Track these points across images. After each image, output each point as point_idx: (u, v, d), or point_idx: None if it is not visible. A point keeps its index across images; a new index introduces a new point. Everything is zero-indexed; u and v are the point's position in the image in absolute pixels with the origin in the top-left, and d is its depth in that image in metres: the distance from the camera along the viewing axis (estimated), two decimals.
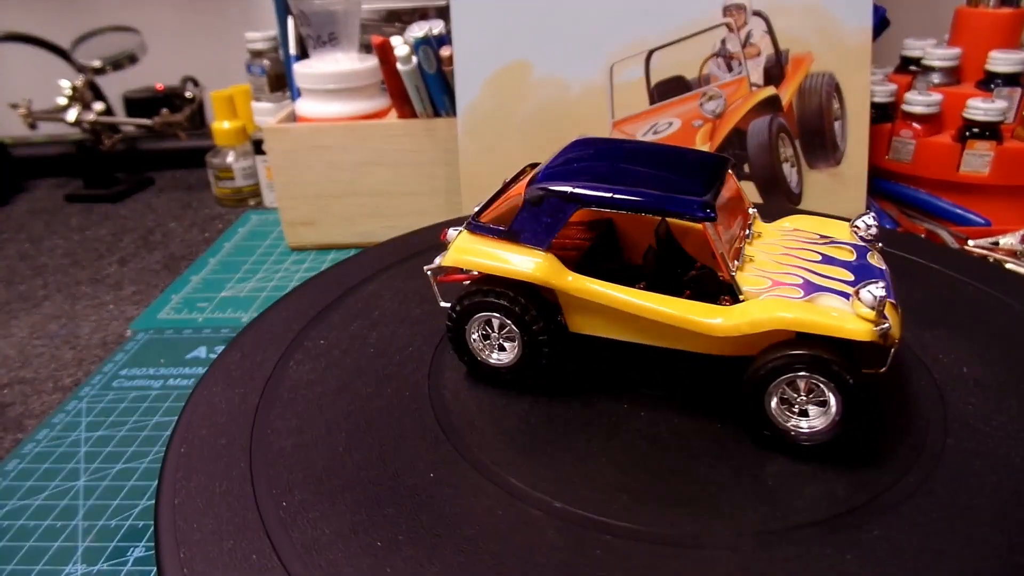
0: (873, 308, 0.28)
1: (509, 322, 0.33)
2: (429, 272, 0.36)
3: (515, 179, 0.37)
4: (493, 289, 0.33)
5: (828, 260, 0.33)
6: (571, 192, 0.32)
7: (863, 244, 0.35)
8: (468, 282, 0.35)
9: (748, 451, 0.30)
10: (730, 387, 0.31)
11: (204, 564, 0.26)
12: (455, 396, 0.35)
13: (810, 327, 0.28)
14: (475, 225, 0.34)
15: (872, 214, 0.35)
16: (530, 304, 0.33)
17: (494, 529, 0.27)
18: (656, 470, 0.30)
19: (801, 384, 0.29)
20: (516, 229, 0.33)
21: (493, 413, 0.33)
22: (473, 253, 0.33)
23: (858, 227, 0.35)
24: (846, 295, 0.29)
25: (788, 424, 0.30)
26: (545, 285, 0.32)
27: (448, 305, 0.35)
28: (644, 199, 0.31)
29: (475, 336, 0.35)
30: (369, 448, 0.31)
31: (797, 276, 0.31)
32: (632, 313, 0.31)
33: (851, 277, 0.31)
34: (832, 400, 0.29)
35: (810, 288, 0.30)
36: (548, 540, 0.26)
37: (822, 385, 0.29)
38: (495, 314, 0.33)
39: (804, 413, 0.30)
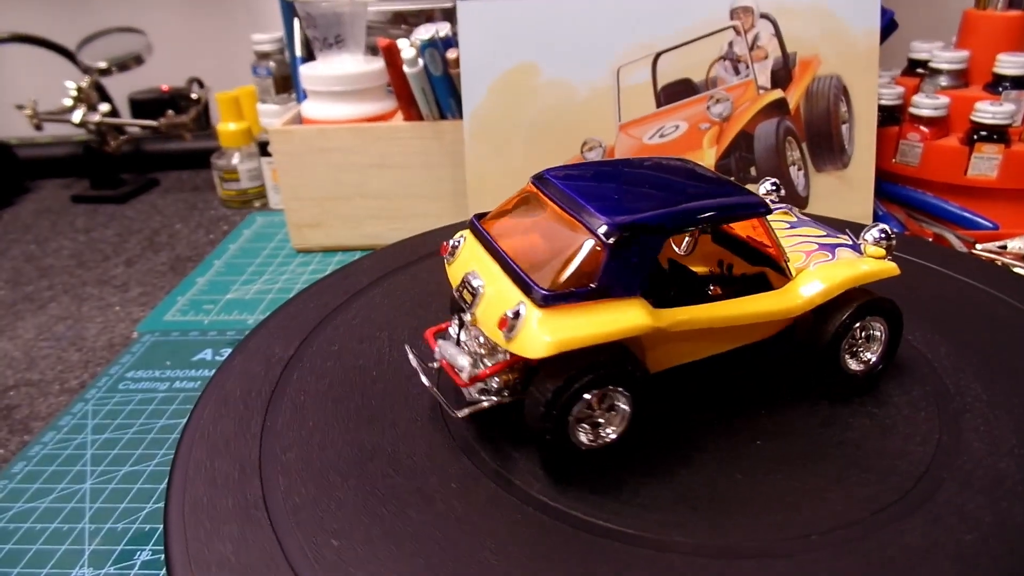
0: (885, 242, 0.33)
1: (621, 390, 0.29)
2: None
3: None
4: (599, 360, 0.28)
5: (802, 230, 0.36)
6: (659, 222, 0.28)
7: (796, 219, 0.38)
8: (534, 363, 0.28)
9: (762, 456, 0.30)
10: (794, 354, 0.33)
11: (213, 568, 0.26)
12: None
13: (869, 277, 0.32)
14: (552, 296, 0.27)
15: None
16: (637, 361, 0.29)
17: (498, 532, 0.27)
18: (671, 475, 0.30)
19: (858, 330, 0.33)
20: (606, 284, 0.27)
21: (503, 418, 0.33)
22: (574, 329, 0.27)
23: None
24: (854, 246, 0.34)
25: (853, 367, 0.34)
26: (653, 332, 0.28)
27: (538, 402, 0.28)
28: (718, 210, 0.30)
29: (579, 421, 0.29)
30: (383, 455, 0.31)
31: (811, 244, 0.34)
32: (725, 325, 0.30)
33: (828, 236, 0.35)
34: (881, 333, 0.34)
35: (829, 249, 0.33)
36: (563, 546, 0.26)
37: (877, 323, 0.33)
38: (609, 387, 0.28)
39: (856, 355, 0.34)
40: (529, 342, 0.27)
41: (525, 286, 0.28)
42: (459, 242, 0.33)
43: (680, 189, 0.31)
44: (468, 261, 0.31)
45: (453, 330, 0.32)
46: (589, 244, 0.28)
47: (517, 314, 0.27)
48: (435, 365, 0.32)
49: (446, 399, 0.31)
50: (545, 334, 0.26)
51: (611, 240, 0.27)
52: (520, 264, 0.29)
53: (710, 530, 0.27)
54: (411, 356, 0.33)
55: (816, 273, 0.32)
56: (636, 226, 0.28)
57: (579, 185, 0.31)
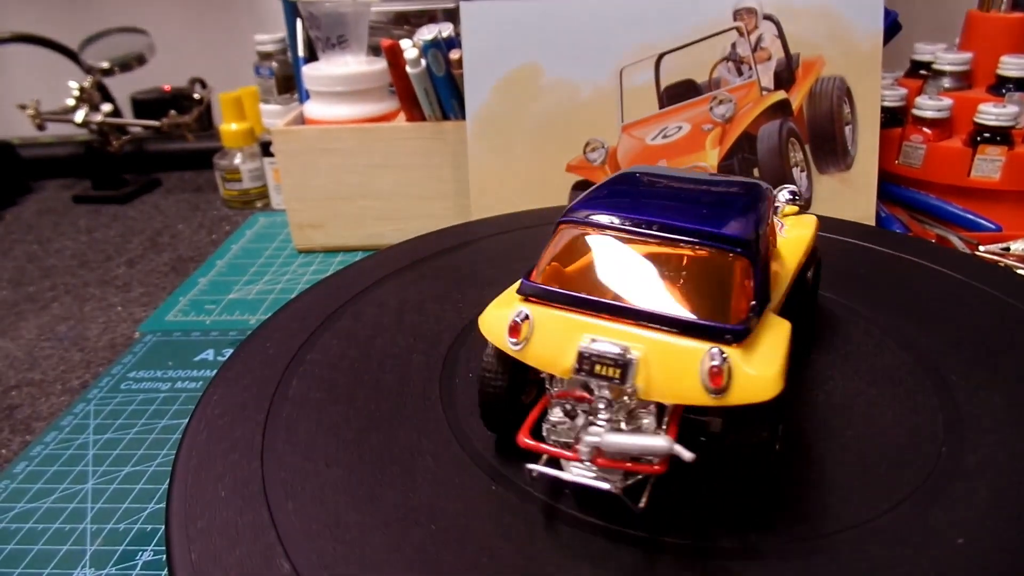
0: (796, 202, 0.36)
1: None
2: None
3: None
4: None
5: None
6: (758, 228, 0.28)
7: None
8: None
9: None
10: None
11: (215, 569, 0.26)
12: (465, 398, 0.34)
13: (814, 236, 0.37)
14: (743, 331, 0.25)
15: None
16: None
17: (499, 531, 0.27)
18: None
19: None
20: (759, 301, 0.26)
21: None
22: (773, 355, 0.25)
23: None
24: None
25: None
26: None
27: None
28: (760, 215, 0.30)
29: None
30: (388, 456, 0.31)
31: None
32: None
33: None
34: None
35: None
36: (562, 547, 0.26)
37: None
38: None
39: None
40: (753, 386, 0.24)
41: (703, 330, 0.25)
42: (525, 317, 0.26)
43: (696, 198, 0.30)
44: (566, 332, 0.26)
45: (580, 418, 0.26)
46: (740, 264, 0.26)
47: (724, 361, 0.24)
48: (578, 473, 0.25)
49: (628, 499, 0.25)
50: (762, 370, 0.24)
51: (754, 253, 0.26)
52: (668, 310, 0.25)
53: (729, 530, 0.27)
54: (545, 470, 0.26)
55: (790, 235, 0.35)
56: (756, 236, 0.27)
57: (644, 208, 0.28)
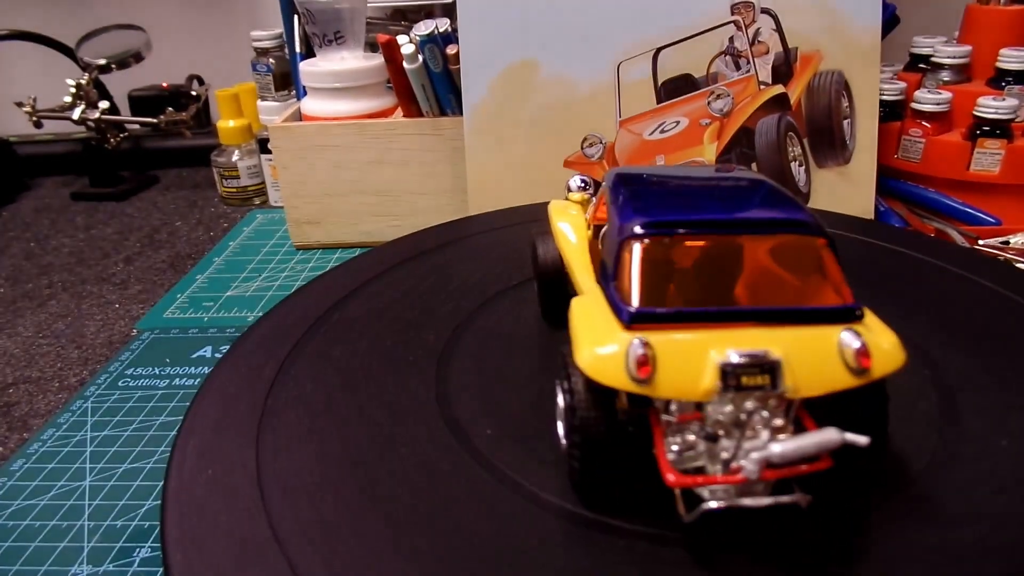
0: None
1: None
2: None
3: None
4: None
5: None
6: None
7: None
8: None
9: None
10: None
11: (211, 565, 0.26)
12: (462, 396, 0.34)
13: None
14: (860, 305, 0.25)
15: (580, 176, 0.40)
16: None
17: (496, 527, 0.27)
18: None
19: None
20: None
21: (503, 413, 0.33)
22: (881, 323, 0.26)
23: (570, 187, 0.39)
24: None
25: None
26: None
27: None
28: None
29: None
30: (385, 451, 0.31)
31: None
32: None
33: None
34: None
35: None
36: (565, 545, 0.26)
37: None
38: None
39: None
40: (889, 357, 0.24)
41: (830, 315, 0.25)
42: (643, 349, 0.24)
43: (724, 191, 0.30)
44: (695, 352, 0.24)
45: (751, 443, 0.24)
46: (825, 246, 0.26)
47: (862, 342, 0.24)
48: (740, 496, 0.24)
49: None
50: (889, 339, 0.25)
51: (827, 233, 0.26)
52: (791, 304, 0.25)
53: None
54: (715, 505, 0.24)
55: None
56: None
57: (701, 207, 0.27)
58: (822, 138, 0.59)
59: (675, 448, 0.25)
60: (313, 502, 0.28)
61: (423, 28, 0.61)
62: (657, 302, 0.25)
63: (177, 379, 0.49)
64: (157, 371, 0.50)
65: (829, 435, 0.23)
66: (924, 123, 0.61)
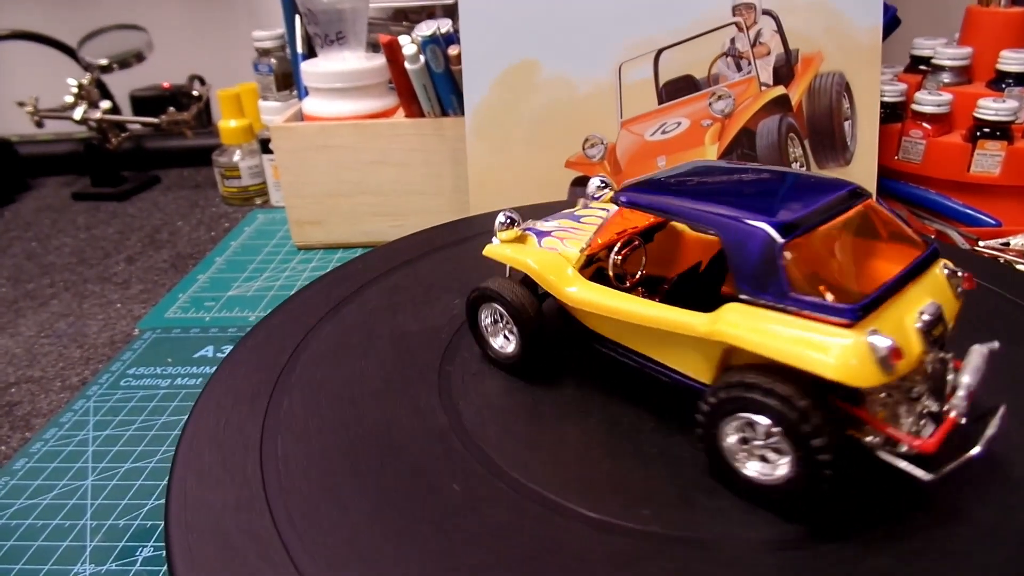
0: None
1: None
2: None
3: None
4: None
5: None
6: None
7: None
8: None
9: None
10: None
11: (214, 565, 0.26)
12: (464, 394, 0.34)
13: None
14: None
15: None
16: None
17: (499, 527, 0.27)
18: (675, 474, 0.30)
19: None
20: None
21: (506, 414, 0.33)
22: None
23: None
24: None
25: None
26: None
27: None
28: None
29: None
30: (388, 452, 0.31)
31: None
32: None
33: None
34: None
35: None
36: (569, 539, 0.26)
37: None
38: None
39: None
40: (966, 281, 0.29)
41: (932, 257, 0.28)
42: (890, 340, 0.24)
43: (769, 183, 0.31)
44: (901, 324, 0.25)
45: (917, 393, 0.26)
46: (876, 203, 0.29)
47: (960, 269, 0.28)
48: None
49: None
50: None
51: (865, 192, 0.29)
52: (917, 257, 0.28)
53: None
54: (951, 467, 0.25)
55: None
56: None
57: (793, 197, 0.28)
58: (823, 139, 0.59)
59: (908, 420, 0.26)
60: (317, 503, 0.28)
61: (425, 28, 0.61)
62: (828, 292, 0.25)
63: (179, 379, 0.49)
64: (159, 371, 0.50)
65: (981, 350, 0.27)
66: (925, 125, 0.62)
